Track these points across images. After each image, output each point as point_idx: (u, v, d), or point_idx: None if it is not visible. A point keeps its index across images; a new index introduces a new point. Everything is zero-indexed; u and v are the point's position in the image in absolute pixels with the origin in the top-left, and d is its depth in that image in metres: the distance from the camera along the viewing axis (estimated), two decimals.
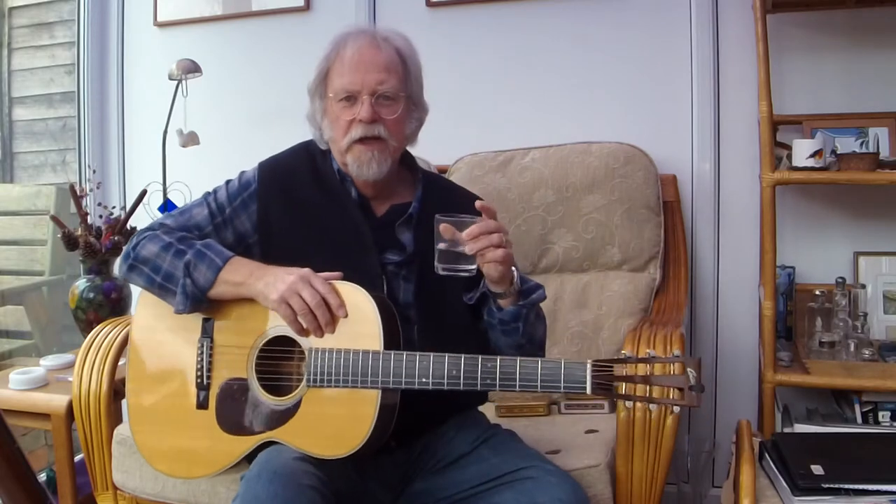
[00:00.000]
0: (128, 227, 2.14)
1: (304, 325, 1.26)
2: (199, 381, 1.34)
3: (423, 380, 1.21)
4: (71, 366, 1.88)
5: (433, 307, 1.38)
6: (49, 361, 2.00)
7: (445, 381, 1.21)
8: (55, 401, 1.78)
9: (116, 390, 1.70)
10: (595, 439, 1.58)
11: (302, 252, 1.35)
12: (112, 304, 2.10)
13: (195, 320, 1.36)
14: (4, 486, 0.79)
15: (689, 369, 1.14)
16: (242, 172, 1.46)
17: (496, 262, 1.25)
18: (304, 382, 1.27)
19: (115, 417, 1.71)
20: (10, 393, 1.83)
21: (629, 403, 1.24)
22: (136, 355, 1.41)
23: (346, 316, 1.26)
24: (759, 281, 1.98)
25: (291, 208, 1.40)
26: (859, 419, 1.73)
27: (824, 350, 1.83)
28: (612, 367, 1.16)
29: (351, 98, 1.36)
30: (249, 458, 1.28)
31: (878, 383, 1.67)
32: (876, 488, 1.32)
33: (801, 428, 1.68)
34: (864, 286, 1.97)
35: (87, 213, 2.14)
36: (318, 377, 1.25)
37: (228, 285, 1.30)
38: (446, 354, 1.21)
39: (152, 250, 1.35)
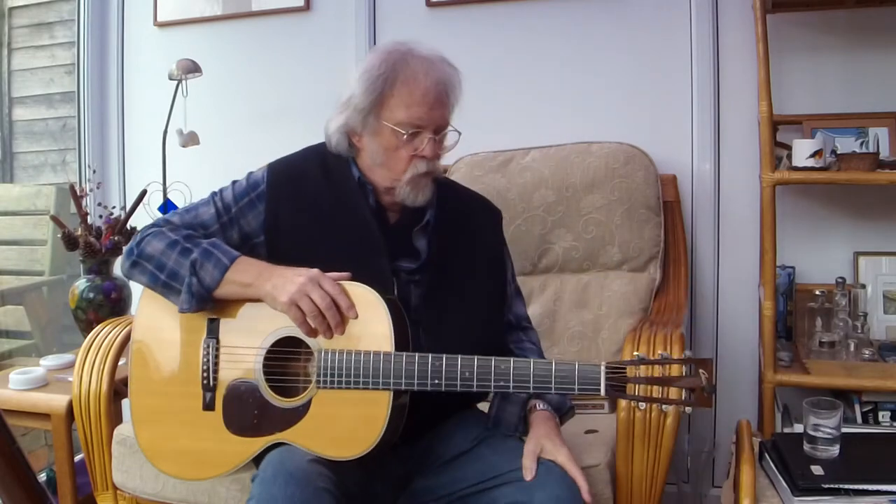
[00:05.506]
0: (128, 227, 2.14)
1: (314, 327, 1.25)
2: (205, 382, 1.32)
3: (436, 381, 1.21)
4: (71, 366, 1.89)
5: (443, 313, 1.37)
6: (49, 361, 2.00)
7: (458, 382, 1.21)
8: (55, 401, 1.78)
9: (116, 390, 1.71)
10: (595, 439, 1.58)
11: (312, 252, 1.34)
12: (112, 304, 2.10)
13: (200, 320, 1.34)
14: (4, 486, 0.79)
15: (701, 371, 1.15)
16: (250, 173, 1.44)
17: None
18: (313, 384, 1.26)
19: (115, 417, 1.71)
20: (10, 393, 1.83)
21: (635, 403, 1.24)
22: (139, 355, 1.39)
23: (356, 317, 1.25)
24: (759, 281, 1.98)
25: (302, 209, 1.39)
26: (859, 419, 1.73)
27: (824, 350, 1.83)
28: (624, 368, 1.17)
29: (415, 131, 1.33)
30: (256, 458, 1.27)
31: (878, 383, 1.67)
32: (876, 488, 1.32)
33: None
34: (864, 286, 1.97)
35: (87, 213, 2.14)
36: (329, 378, 1.24)
37: (235, 285, 1.29)
38: (459, 356, 1.21)
39: (157, 247, 1.33)
